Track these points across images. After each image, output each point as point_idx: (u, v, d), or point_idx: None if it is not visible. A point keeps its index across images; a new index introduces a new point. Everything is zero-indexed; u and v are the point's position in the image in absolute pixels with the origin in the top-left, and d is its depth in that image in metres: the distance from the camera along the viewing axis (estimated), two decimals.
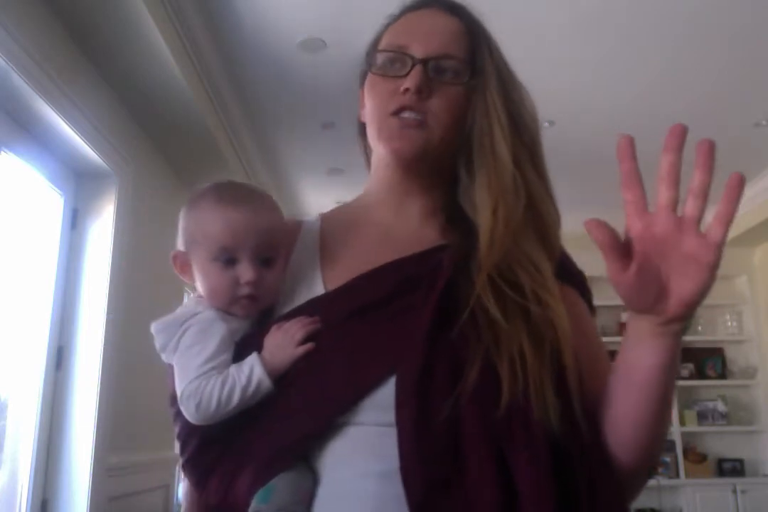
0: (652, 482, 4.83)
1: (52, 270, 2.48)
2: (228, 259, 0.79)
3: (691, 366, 5.16)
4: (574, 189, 4.77)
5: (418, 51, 0.81)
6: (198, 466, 0.75)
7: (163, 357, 0.81)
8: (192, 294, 0.85)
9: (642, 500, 4.91)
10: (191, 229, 0.82)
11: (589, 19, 2.74)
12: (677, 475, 4.87)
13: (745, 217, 4.80)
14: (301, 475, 0.70)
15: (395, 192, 0.87)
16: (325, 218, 0.93)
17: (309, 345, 0.73)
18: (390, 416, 0.67)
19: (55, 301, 2.48)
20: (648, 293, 0.64)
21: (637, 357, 0.68)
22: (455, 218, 0.84)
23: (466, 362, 0.68)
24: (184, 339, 0.77)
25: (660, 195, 0.63)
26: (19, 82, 1.98)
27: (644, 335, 0.67)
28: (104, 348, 2.52)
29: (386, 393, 0.69)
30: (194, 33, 2.66)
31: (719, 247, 0.60)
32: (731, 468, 4.93)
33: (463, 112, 0.82)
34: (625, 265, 0.63)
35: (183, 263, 0.83)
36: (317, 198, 4.79)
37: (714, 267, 0.61)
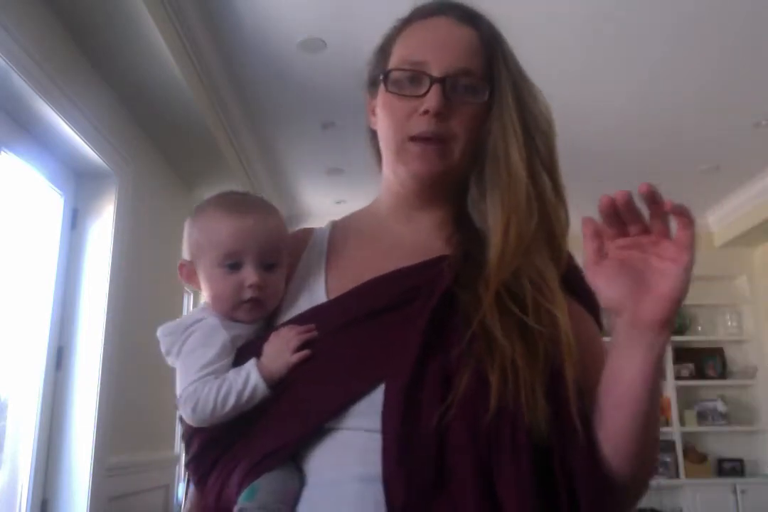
0: (651, 482, 4.86)
1: (52, 270, 2.48)
2: (233, 264, 0.82)
3: (691, 366, 5.15)
4: (573, 188, 4.76)
5: (435, 68, 0.80)
6: (199, 466, 0.78)
7: (168, 360, 0.84)
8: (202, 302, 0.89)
9: (642, 500, 4.91)
10: (197, 237, 0.85)
11: (588, 19, 2.74)
12: (677, 475, 4.87)
13: (745, 217, 4.80)
14: (288, 476, 0.72)
15: (407, 204, 0.88)
16: (336, 226, 0.95)
17: (304, 353, 0.75)
18: (377, 423, 0.69)
19: (55, 301, 2.48)
20: (623, 284, 0.65)
21: (619, 369, 0.68)
22: (464, 228, 0.83)
23: (456, 374, 0.69)
24: (187, 344, 0.80)
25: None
26: (19, 82, 1.98)
27: (623, 344, 0.67)
28: (104, 348, 2.52)
29: (375, 401, 0.70)
30: (194, 33, 2.66)
31: (691, 249, 0.62)
32: (731, 468, 4.92)
33: (480, 127, 0.81)
34: (602, 257, 0.66)
35: (189, 272, 0.86)
36: (317, 198, 4.79)
37: (689, 268, 0.62)
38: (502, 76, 0.81)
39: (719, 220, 5.14)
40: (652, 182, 0.60)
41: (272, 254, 0.83)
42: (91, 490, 2.40)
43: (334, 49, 2.88)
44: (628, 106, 3.50)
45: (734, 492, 4.72)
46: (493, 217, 0.79)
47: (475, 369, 0.69)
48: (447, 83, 0.79)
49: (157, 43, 2.31)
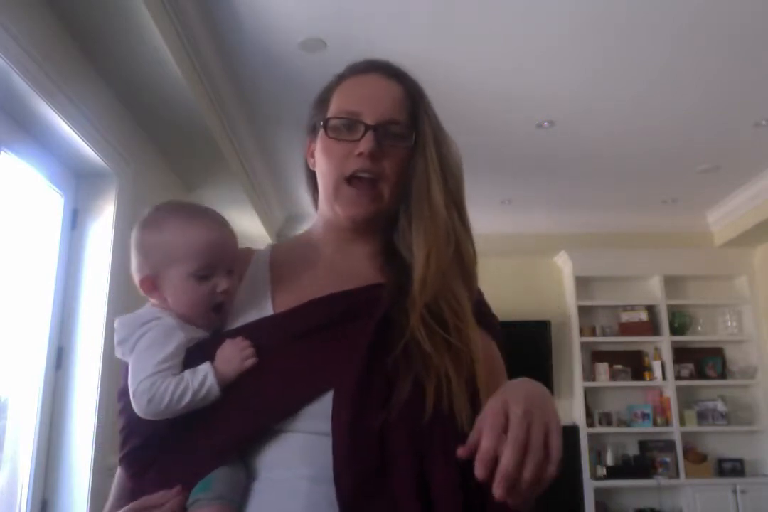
0: (651, 482, 4.83)
1: (52, 270, 2.48)
2: (206, 274, 0.86)
3: (690, 366, 5.15)
4: (573, 188, 4.78)
5: (368, 117, 0.92)
6: (137, 459, 0.83)
7: (118, 351, 0.88)
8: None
9: (642, 500, 4.92)
10: (165, 249, 0.87)
11: (590, 20, 2.74)
12: (677, 475, 4.87)
13: (745, 217, 4.80)
14: (236, 470, 0.78)
15: (341, 236, 0.99)
16: (275, 248, 1.04)
17: (254, 360, 0.82)
18: (323, 425, 0.77)
19: (55, 301, 2.48)
20: None
21: None
22: (392, 258, 0.95)
23: (397, 382, 0.80)
24: (143, 340, 0.84)
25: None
26: (19, 82, 1.98)
27: None
28: (104, 348, 2.52)
29: (322, 406, 0.79)
30: (194, 33, 2.66)
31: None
32: (731, 468, 4.92)
33: (406, 168, 0.94)
34: None
35: (152, 285, 0.88)
36: None
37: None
38: (425, 126, 0.95)
39: (719, 220, 5.14)
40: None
41: (233, 261, 0.90)
42: (91, 490, 2.40)
43: (334, 49, 2.88)
44: (630, 107, 3.50)
45: (734, 492, 4.72)
46: (416, 246, 0.91)
47: (413, 379, 0.80)
48: (379, 130, 0.92)
49: (157, 43, 2.31)
